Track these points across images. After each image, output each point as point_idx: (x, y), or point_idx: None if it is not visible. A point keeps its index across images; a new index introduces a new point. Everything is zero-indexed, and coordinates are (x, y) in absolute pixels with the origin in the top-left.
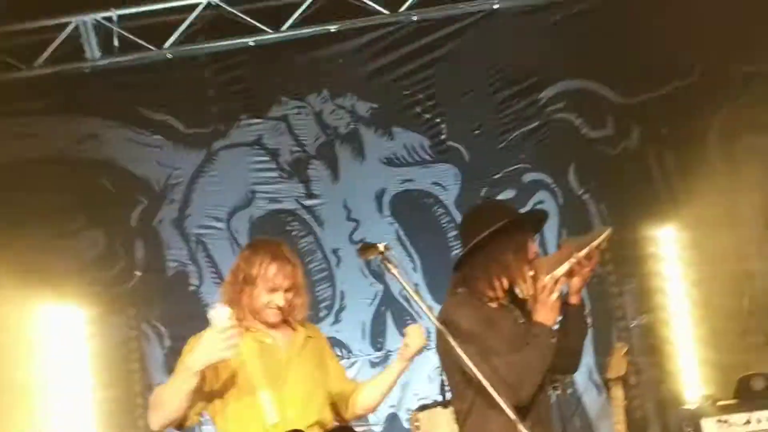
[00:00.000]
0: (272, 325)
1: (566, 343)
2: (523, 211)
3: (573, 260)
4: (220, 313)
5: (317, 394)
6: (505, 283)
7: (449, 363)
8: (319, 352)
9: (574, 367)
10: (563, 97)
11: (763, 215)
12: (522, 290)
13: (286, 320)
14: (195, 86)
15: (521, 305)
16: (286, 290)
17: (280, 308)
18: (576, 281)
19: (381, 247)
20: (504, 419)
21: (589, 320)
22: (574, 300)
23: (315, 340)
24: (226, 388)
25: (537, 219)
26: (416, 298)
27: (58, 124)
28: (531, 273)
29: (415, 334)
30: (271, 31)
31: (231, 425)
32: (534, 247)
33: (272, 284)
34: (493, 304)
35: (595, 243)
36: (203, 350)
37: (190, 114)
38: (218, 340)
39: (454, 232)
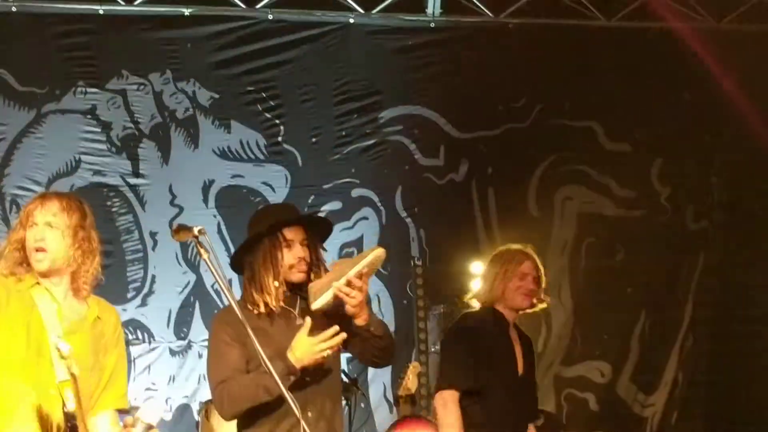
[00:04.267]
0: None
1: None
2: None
3: (338, 284)
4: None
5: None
6: (268, 289)
7: None
8: (105, 337)
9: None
10: (402, 121)
11: (571, 259)
12: (269, 302)
13: (74, 283)
14: (36, 45)
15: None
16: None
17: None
18: (348, 307)
19: (196, 230)
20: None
21: (387, 339)
22: (358, 322)
23: (104, 323)
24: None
25: (314, 223)
26: (225, 289)
27: None
28: (276, 284)
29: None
30: (123, 2)
31: None
32: (299, 254)
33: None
34: (261, 311)
35: (363, 262)
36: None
37: (26, 72)
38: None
39: None
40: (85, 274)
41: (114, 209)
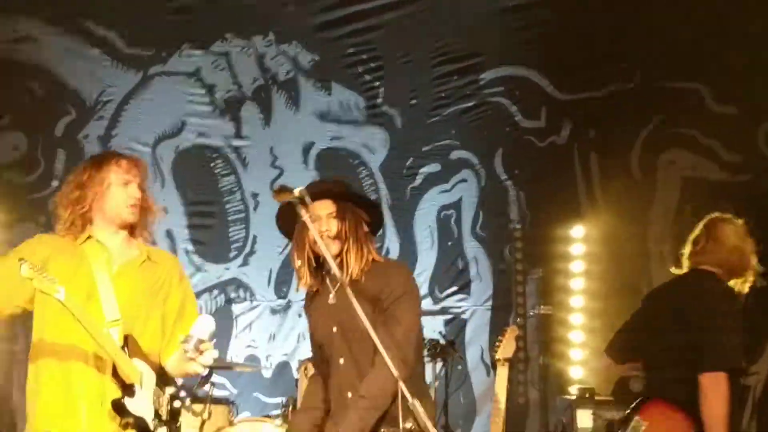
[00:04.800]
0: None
1: None
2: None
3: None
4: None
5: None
6: (302, 269)
7: None
8: (158, 279)
9: None
10: (503, 82)
11: (672, 228)
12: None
13: (132, 232)
14: (143, 8)
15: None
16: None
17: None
18: None
19: (297, 191)
20: None
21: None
22: None
23: (158, 265)
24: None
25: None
26: (324, 248)
27: None
28: (298, 263)
29: None
30: None
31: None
32: (318, 224)
33: (126, 177)
34: (313, 289)
35: None
36: None
37: (133, 34)
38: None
39: (375, 196)
40: (143, 226)
41: (217, 170)
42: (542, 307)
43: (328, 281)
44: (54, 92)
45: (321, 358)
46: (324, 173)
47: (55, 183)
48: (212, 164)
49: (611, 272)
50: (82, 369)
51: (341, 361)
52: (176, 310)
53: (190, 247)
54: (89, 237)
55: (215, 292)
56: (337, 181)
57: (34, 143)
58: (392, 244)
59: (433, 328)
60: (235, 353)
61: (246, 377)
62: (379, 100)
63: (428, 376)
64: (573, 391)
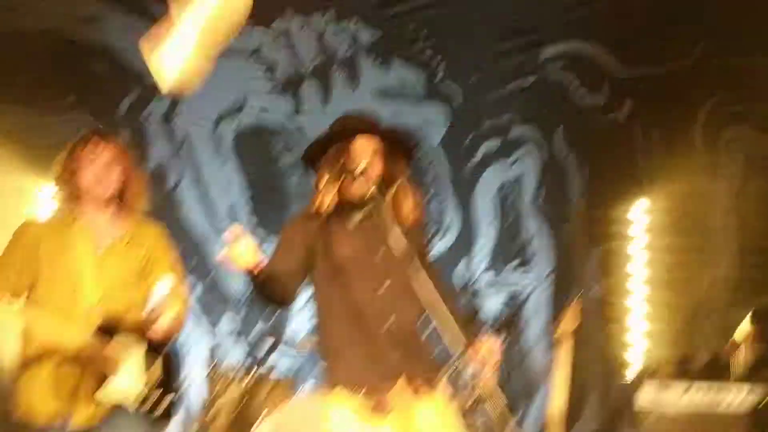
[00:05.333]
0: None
1: None
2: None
3: None
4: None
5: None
6: (328, 188)
7: None
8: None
9: None
10: (563, 58)
11: (736, 205)
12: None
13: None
14: None
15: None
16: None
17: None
18: None
19: (358, 171)
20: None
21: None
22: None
23: (143, 243)
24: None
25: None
26: (390, 219)
27: (58, 1)
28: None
29: None
30: None
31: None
32: (355, 152)
33: (90, 156)
34: (322, 215)
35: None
36: None
37: None
38: None
39: (435, 173)
40: (129, 201)
41: (278, 148)
42: (602, 284)
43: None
44: (117, 72)
45: (330, 282)
46: None
47: None
48: (272, 141)
49: (673, 249)
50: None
51: (378, 290)
52: (158, 270)
53: (254, 220)
54: (75, 219)
55: None
56: (380, 123)
57: (97, 123)
58: (453, 219)
59: (493, 303)
60: (298, 330)
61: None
62: (440, 76)
63: None
64: (632, 371)
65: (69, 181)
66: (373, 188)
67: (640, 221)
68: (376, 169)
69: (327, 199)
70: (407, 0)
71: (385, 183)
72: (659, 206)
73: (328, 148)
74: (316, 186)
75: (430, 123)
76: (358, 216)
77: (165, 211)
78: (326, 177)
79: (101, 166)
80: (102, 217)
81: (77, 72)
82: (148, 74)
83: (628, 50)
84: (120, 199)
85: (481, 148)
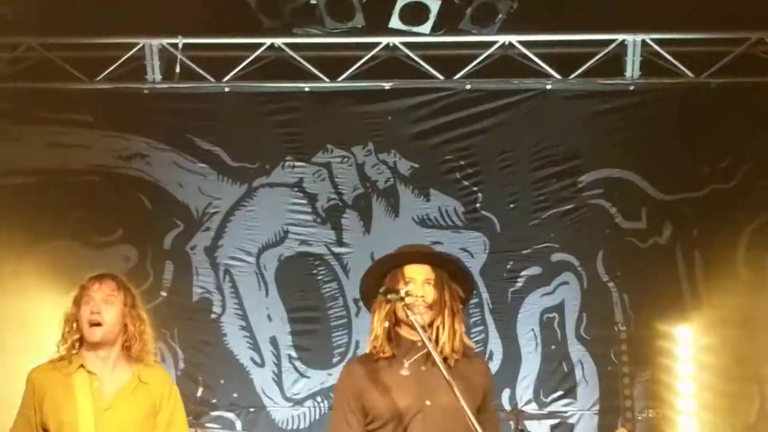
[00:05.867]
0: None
1: None
2: None
3: None
4: None
5: None
6: (378, 338)
7: None
8: (152, 400)
9: None
10: (601, 184)
11: None
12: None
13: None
14: (247, 122)
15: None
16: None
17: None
18: None
19: (402, 292)
20: None
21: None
22: None
23: (149, 386)
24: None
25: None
26: (431, 348)
27: (107, 139)
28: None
29: None
30: (327, 79)
31: None
32: (406, 278)
33: (87, 296)
34: (382, 359)
35: None
36: None
37: (238, 148)
38: None
39: (476, 300)
40: (136, 344)
41: (319, 277)
42: (651, 410)
43: (399, 353)
44: (163, 206)
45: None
46: None
47: (163, 294)
48: (314, 271)
49: (719, 372)
50: None
51: None
52: (165, 424)
53: (294, 354)
54: (80, 366)
55: (319, 398)
56: (436, 251)
57: (143, 255)
58: (495, 347)
59: None
60: None
61: None
62: (478, 205)
63: None
64: None
65: (71, 319)
66: (426, 317)
67: (686, 346)
68: (429, 296)
69: (380, 333)
70: (443, 132)
71: (440, 310)
72: (704, 330)
73: (382, 282)
74: (371, 321)
75: (470, 251)
76: (412, 359)
77: (210, 341)
78: (379, 309)
79: (98, 300)
80: (106, 362)
81: (124, 206)
82: (192, 207)
83: (667, 175)
84: (124, 342)
85: (521, 275)
